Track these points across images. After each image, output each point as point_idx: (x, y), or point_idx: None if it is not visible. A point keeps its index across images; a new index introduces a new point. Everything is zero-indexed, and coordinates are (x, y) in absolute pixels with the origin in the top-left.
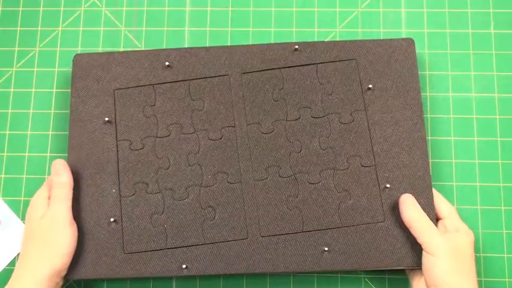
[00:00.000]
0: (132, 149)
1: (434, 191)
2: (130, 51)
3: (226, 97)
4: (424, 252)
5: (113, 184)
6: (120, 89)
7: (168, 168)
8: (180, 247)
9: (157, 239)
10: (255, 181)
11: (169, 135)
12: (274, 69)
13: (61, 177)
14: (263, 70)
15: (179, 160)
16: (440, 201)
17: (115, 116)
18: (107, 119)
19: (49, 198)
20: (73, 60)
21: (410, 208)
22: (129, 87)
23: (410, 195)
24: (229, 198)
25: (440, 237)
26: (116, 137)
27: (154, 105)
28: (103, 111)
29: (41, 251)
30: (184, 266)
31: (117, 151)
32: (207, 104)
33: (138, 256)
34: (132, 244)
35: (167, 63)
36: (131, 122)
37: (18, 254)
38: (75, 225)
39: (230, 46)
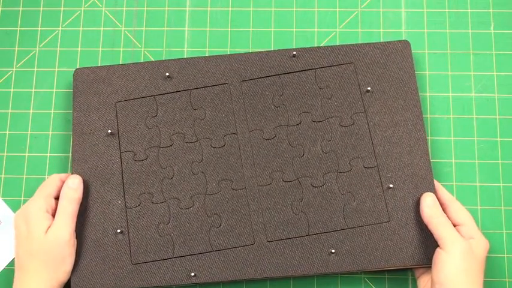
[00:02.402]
0: (135, 160)
1: (453, 199)
2: (130, 63)
3: (227, 105)
4: (438, 249)
5: (118, 195)
6: (122, 101)
7: (172, 178)
8: (187, 255)
9: (165, 248)
10: (259, 187)
11: (172, 145)
12: (273, 75)
13: (76, 192)
14: (262, 77)
15: (183, 169)
16: (458, 208)
17: (117, 128)
18: (109, 131)
19: (48, 211)
20: (73, 75)
21: (431, 205)
22: (130, 99)
23: (431, 193)
24: (234, 205)
25: (458, 236)
26: (120, 148)
27: (156, 116)
28: (105, 123)
29: (47, 267)
30: (192, 274)
31: (121, 163)
32: (208, 113)
33: (146, 266)
34: (139, 254)
35: (167, 74)
36: (134, 134)
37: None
38: (76, 241)
39: (229, 55)
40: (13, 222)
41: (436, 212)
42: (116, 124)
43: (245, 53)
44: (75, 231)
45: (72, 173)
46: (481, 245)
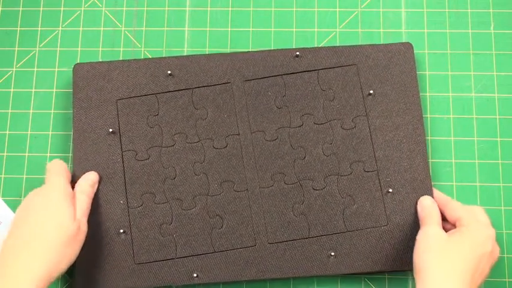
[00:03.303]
0: (137, 160)
1: (449, 198)
2: (131, 60)
3: (230, 105)
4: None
5: (120, 195)
6: (123, 98)
7: (174, 178)
8: (189, 256)
9: (167, 248)
10: (261, 189)
11: (174, 145)
12: (276, 76)
13: (93, 187)
14: (265, 77)
15: (185, 170)
16: (453, 208)
17: (119, 126)
18: (110, 130)
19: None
20: (73, 70)
21: (425, 201)
22: (131, 97)
23: (429, 197)
24: (236, 207)
25: (438, 229)
26: (121, 147)
27: (157, 114)
28: (106, 121)
29: (60, 251)
30: (195, 275)
31: (123, 162)
32: (210, 113)
33: (149, 266)
34: (142, 255)
35: (169, 72)
36: (135, 132)
37: None
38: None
39: (231, 53)
40: (26, 203)
41: (429, 204)
42: (117, 122)
43: (247, 52)
44: None
45: (72, 171)
46: (471, 239)
